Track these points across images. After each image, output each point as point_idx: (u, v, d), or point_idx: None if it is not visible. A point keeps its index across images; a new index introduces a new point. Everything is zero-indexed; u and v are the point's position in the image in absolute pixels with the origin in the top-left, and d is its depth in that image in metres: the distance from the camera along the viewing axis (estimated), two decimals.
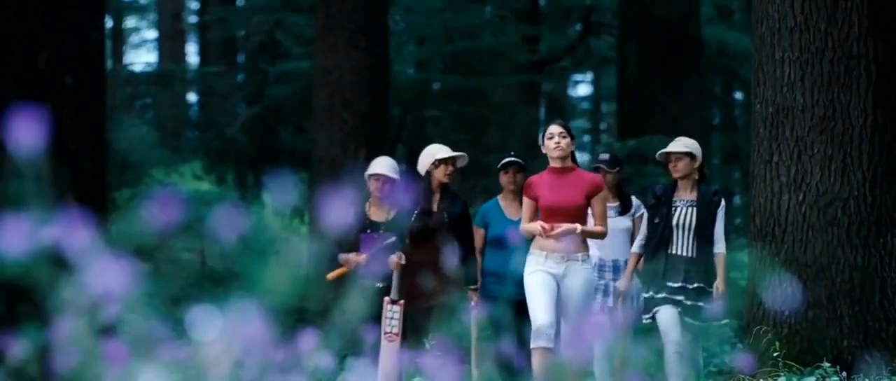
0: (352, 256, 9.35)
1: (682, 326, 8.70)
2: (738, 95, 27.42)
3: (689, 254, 8.81)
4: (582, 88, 35.78)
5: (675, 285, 8.78)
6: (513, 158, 9.63)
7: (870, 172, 9.11)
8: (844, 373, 8.69)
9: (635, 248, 9.05)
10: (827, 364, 8.68)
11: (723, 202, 8.96)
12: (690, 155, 8.92)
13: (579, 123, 32.45)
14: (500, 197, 9.67)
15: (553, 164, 8.67)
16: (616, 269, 9.44)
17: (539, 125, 26.12)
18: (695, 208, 8.86)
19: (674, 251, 8.83)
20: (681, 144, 9.03)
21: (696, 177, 8.97)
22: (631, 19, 18.42)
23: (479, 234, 9.52)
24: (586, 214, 8.62)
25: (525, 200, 8.70)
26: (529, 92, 22.30)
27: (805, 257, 9.10)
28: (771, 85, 9.28)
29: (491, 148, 19.58)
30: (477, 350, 9.34)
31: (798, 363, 8.86)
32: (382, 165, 9.51)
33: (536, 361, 8.41)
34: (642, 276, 9.10)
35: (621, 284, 9.15)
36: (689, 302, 8.71)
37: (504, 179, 9.60)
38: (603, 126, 33.99)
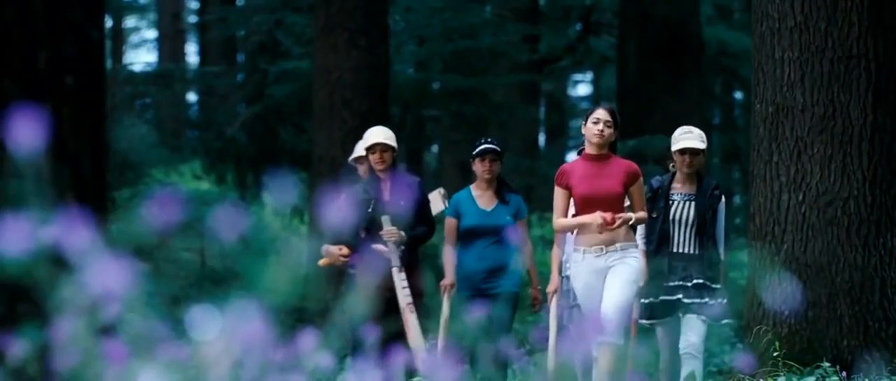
0: (334, 249, 9.07)
1: (682, 332, 8.36)
2: (738, 95, 27.43)
3: (690, 251, 8.42)
4: (582, 87, 35.81)
5: (674, 283, 8.40)
6: (489, 146, 9.08)
7: (870, 172, 9.11)
8: (844, 373, 8.68)
9: (640, 245, 8.54)
10: (827, 364, 8.67)
11: (723, 198, 8.61)
12: (704, 150, 8.53)
13: (579, 123, 32.45)
14: (473, 186, 9.16)
15: (589, 149, 8.15)
16: None
17: (539, 125, 26.14)
18: (693, 202, 8.47)
19: (674, 249, 8.44)
20: (697, 138, 8.52)
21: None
22: (631, 19, 18.42)
23: (451, 225, 9.09)
24: (623, 203, 8.12)
25: (558, 190, 8.09)
26: (529, 92, 22.31)
27: (805, 256, 9.09)
28: (771, 85, 9.28)
29: None
30: (445, 343, 8.96)
31: (798, 363, 8.86)
32: (380, 134, 9.21)
33: (604, 358, 7.89)
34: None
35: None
36: (687, 300, 8.34)
37: (479, 167, 9.06)
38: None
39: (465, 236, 9.02)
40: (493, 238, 8.93)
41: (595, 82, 33.67)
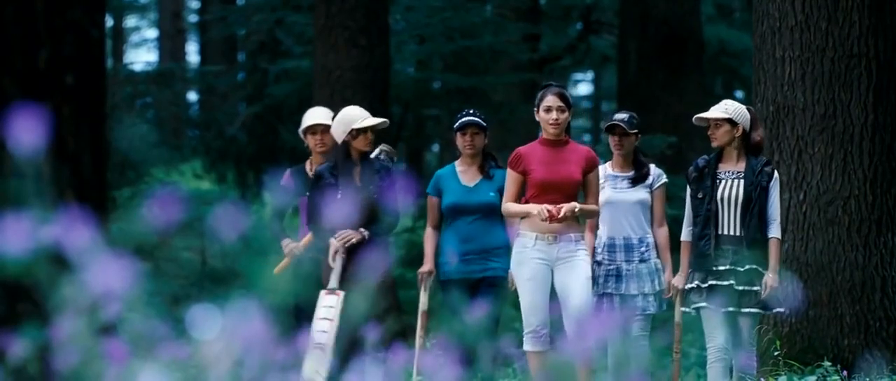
0: (292, 244, 8.56)
1: (729, 324, 7.85)
2: (739, 94, 27.43)
3: (738, 233, 7.84)
4: (582, 87, 35.78)
5: (723, 267, 7.84)
6: (470, 118, 8.42)
7: (870, 171, 9.10)
8: (845, 372, 8.68)
9: (684, 235, 8.00)
10: (828, 363, 8.67)
11: (776, 175, 8.00)
12: (730, 121, 7.94)
13: (579, 123, 32.41)
14: (457, 162, 8.53)
15: (546, 135, 7.83)
16: (628, 248, 8.33)
17: (539, 125, 26.14)
18: (742, 180, 7.88)
19: (722, 231, 7.87)
20: (719, 109, 7.99)
21: (742, 146, 7.96)
22: (631, 18, 18.42)
23: (432, 204, 8.47)
24: (578, 190, 7.80)
25: (511, 174, 7.74)
26: (530, 91, 22.26)
27: (806, 255, 9.09)
28: (771, 84, 9.28)
29: (491, 147, 19.53)
30: (422, 336, 8.49)
31: (799, 362, 8.86)
32: (321, 115, 8.78)
33: (532, 364, 7.75)
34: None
35: (678, 280, 8.05)
36: (740, 287, 7.83)
37: (460, 141, 8.42)
38: (603, 125, 33.96)
39: (448, 216, 8.41)
40: (477, 216, 8.32)
41: (596, 82, 33.66)
